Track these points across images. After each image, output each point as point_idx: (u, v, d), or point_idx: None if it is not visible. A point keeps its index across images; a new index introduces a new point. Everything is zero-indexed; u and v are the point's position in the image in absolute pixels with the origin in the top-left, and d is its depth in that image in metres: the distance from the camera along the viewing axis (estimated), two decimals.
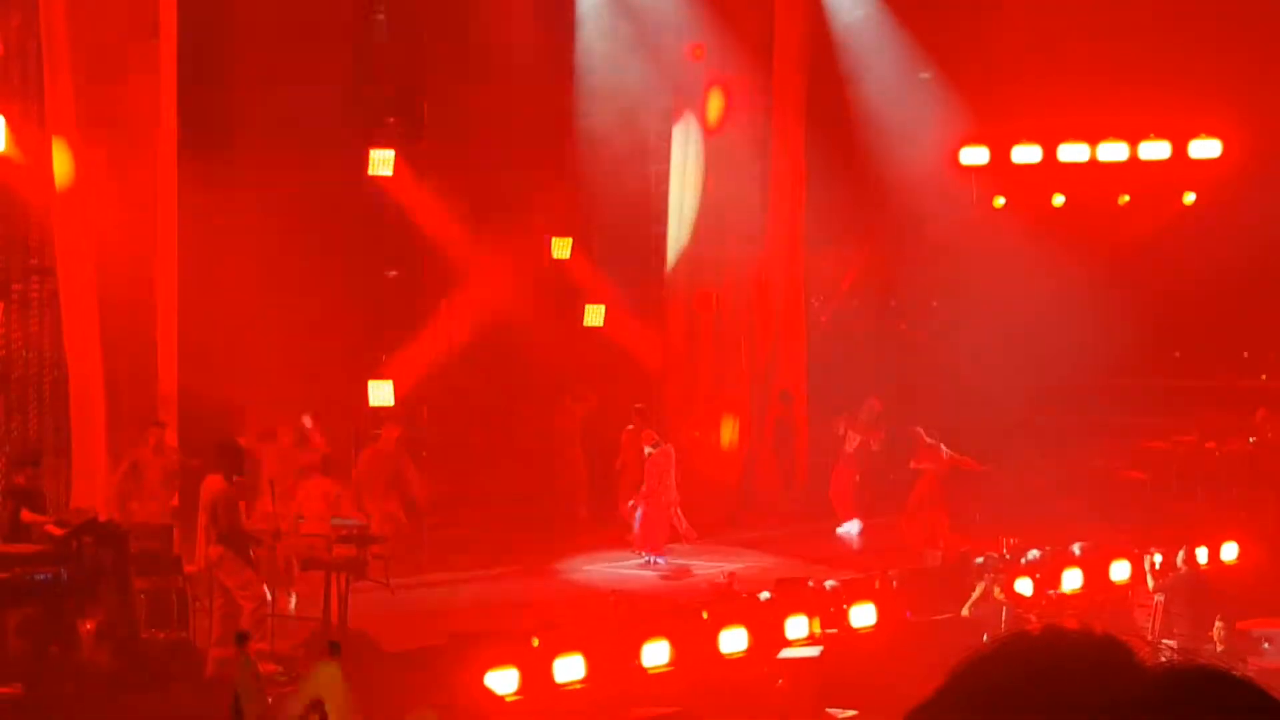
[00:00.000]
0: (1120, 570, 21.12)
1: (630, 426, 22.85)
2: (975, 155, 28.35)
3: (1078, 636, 1.49)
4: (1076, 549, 21.28)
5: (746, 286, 26.03)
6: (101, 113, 18.35)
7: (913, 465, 22.98)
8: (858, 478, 24.01)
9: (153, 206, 18.92)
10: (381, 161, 23.34)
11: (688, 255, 25.53)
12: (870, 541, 23.04)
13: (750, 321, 26.13)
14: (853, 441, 24.01)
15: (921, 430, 23.06)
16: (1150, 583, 20.38)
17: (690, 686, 15.86)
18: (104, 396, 18.24)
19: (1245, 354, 29.49)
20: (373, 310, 23.64)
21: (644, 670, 15.98)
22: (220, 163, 21.12)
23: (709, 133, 25.28)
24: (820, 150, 26.04)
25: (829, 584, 18.55)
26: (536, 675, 15.13)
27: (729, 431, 25.81)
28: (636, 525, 21.37)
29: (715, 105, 25.31)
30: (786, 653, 17.11)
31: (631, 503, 21.66)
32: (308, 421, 20.05)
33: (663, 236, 25.76)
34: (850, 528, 23.80)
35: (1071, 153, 28.04)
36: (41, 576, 13.77)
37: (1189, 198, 28.22)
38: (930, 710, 1.48)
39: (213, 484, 15.14)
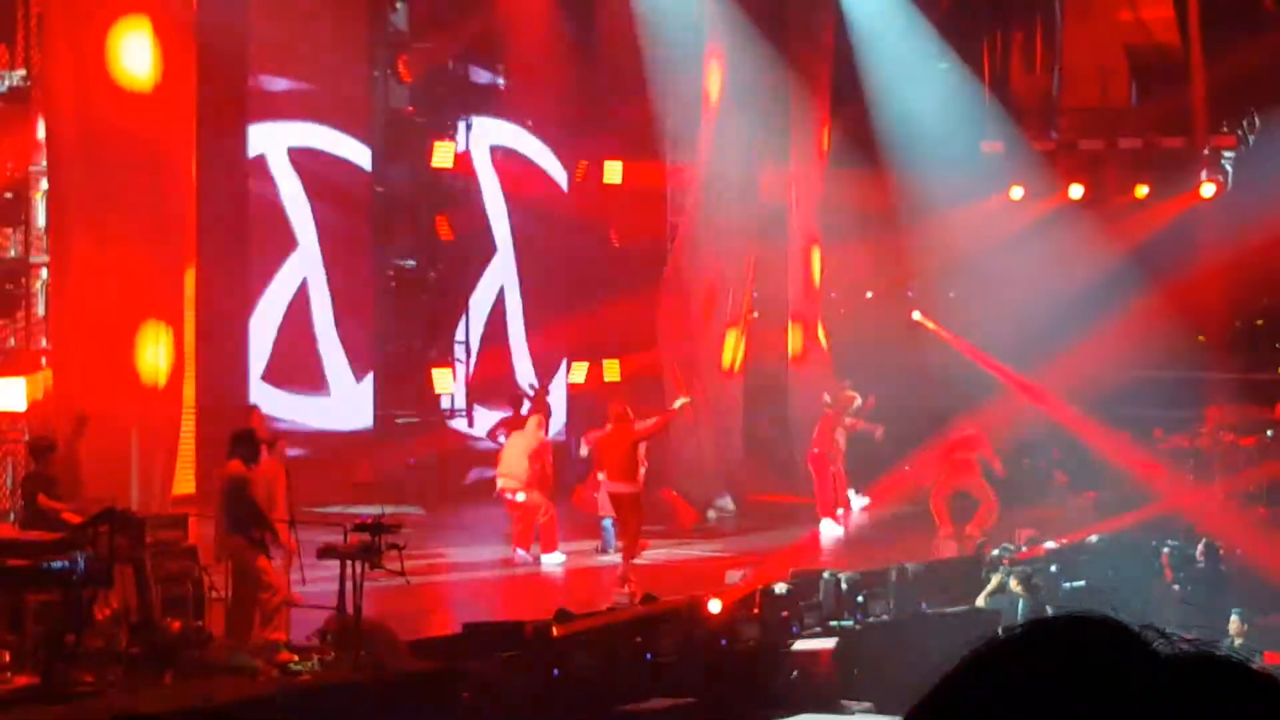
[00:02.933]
0: (1136, 563, 21.07)
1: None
2: (994, 145, 28.32)
3: (1095, 625, 1.49)
4: (1093, 540, 21.25)
5: (759, 274, 26.01)
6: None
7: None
8: (832, 469, 23.70)
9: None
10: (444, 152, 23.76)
11: (695, 239, 25.43)
12: (885, 532, 22.95)
13: (750, 310, 26.08)
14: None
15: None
16: (1168, 575, 20.35)
17: (704, 677, 15.85)
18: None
19: (1255, 348, 29.39)
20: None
21: (658, 661, 15.96)
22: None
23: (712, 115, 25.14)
24: (836, 139, 26.04)
25: (844, 575, 18.54)
26: (550, 665, 15.12)
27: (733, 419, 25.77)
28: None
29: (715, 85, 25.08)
30: (801, 644, 17.09)
31: None
32: None
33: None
34: (824, 526, 23.52)
35: (1090, 143, 27.99)
36: (58, 564, 13.78)
37: (1207, 189, 28.13)
38: (943, 695, 1.48)
39: (229, 471, 15.13)
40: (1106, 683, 1.43)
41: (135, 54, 16.63)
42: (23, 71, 18.32)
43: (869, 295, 29.83)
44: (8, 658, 13.53)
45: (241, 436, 15.49)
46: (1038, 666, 1.45)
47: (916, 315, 28.92)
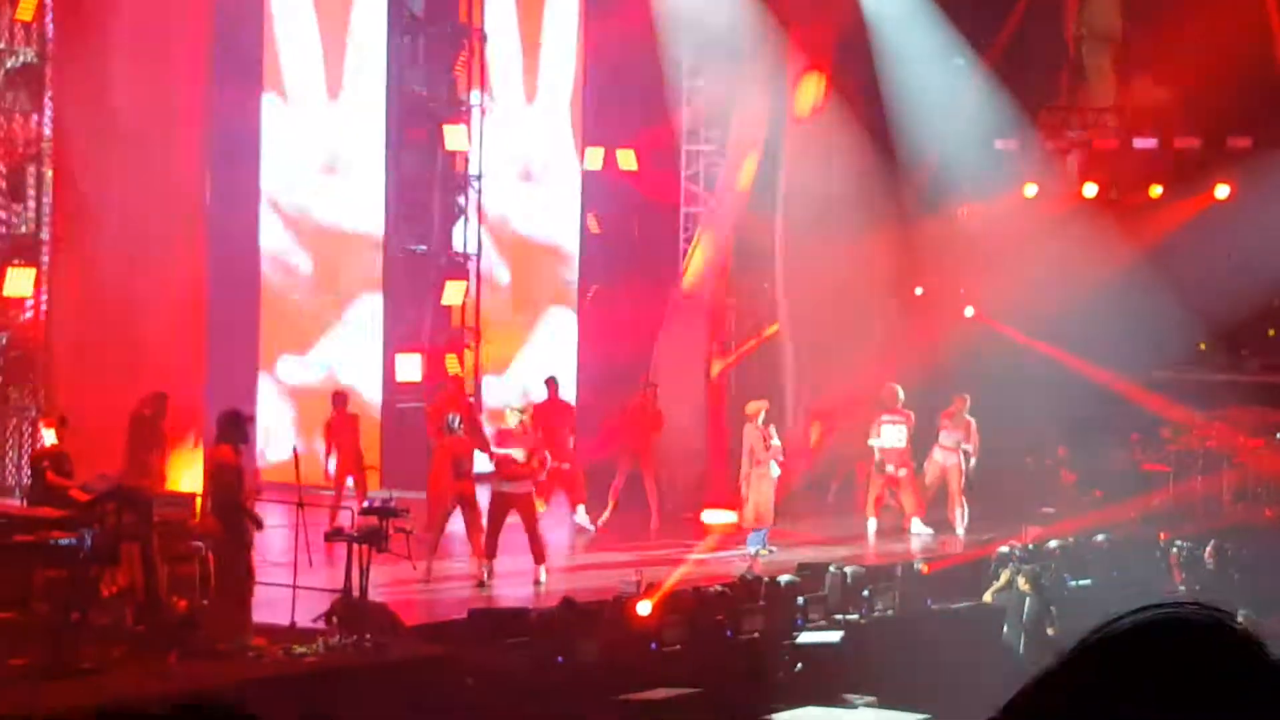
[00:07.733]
0: (1144, 562, 21.05)
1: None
2: (1008, 143, 28.22)
3: (1213, 626, 1.48)
4: (1101, 539, 21.22)
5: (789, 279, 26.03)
6: None
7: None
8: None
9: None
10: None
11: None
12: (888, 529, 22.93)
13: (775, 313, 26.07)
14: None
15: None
16: (1177, 575, 20.32)
17: (709, 669, 15.84)
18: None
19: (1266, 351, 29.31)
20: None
21: (662, 651, 15.95)
22: None
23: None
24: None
25: (850, 569, 18.52)
26: (554, 653, 15.12)
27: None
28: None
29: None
30: (806, 637, 17.08)
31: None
32: None
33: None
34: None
35: (1105, 142, 27.90)
36: (65, 541, 13.80)
37: (1222, 190, 28.02)
38: (1065, 675, 1.48)
39: (217, 456, 14.83)
40: (1228, 686, 1.43)
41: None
42: (34, 48, 18.33)
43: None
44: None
45: (229, 418, 14.81)
46: (1159, 663, 1.45)
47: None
